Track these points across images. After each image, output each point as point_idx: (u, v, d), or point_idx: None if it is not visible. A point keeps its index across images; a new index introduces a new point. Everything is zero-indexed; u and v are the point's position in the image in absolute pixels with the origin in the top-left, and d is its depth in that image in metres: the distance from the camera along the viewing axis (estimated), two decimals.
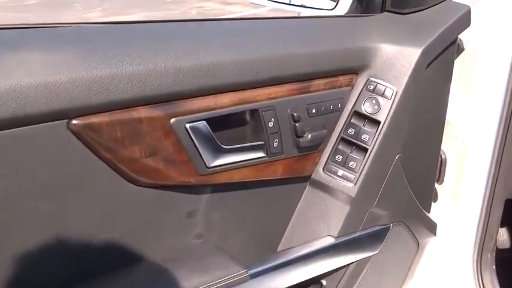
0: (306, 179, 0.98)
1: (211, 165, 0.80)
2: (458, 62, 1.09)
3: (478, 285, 1.24)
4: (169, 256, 0.83)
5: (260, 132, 0.85)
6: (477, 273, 1.24)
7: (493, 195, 1.18)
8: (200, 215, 0.86)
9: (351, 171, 0.94)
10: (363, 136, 0.94)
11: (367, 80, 0.94)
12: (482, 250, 1.23)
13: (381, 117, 0.93)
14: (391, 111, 0.93)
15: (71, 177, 0.70)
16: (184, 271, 0.81)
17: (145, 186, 0.77)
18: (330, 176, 0.95)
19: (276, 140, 0.87)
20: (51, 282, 0.73)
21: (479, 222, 1.21)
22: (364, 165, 0.94)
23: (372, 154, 0.94)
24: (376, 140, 0.93)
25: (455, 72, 1.07)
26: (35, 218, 0.69)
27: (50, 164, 0.68)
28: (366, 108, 0.94)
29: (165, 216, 0.82)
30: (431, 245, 1.22)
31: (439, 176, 1.23)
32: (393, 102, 0.93)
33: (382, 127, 0.93)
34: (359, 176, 0.94)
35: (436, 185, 1.24)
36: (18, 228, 0.68)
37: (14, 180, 0.65)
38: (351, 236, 0.98)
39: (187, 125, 0.75)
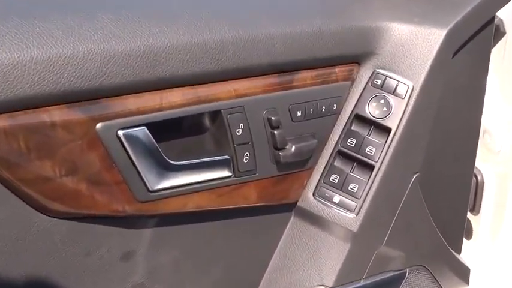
0: (290, 207, 0.96)
1: (156, 188, 0.78)
2: (496, 50, 1.09)
3: None
4: None
5: (224, 143, 0.84)
6: None
7: None
8: (140, 257, 0.83)
9: (351, 197, 0.93)
10: (367, 149, 0.93)
11: (372, 73, 0.94)
12: None
13: (392, 123, 0.92)
14: (406, 115, 0.92)
15: None
16: None
17: (61, 217, 0.74)
18: (323, 203, 0.94)
19: (247, 153, 0.85)
20: None
21: None
22: (370, 188, 0.93)
23: (380, 173, 0.93)
24: (386, 154, 0.93)
25: (492, 63, 1.07)
26: None
27: None
28: (372, 110, 0.93)
29: (89, 260, 0.79)
30: None
31: (474, 204, 1.24)
32: (408, 102, 0.92)
33: (393, 137, 0.92)
34: (362, 203, 0.93)
35: (470, 216, 1.24)
36: None
37: None
38: (353, 286, 0.97)
39: (120, 132, 0.73)
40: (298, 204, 0.95)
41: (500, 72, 1.12)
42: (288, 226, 0.97)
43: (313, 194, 0.95)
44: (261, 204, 0.90)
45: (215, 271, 0.92)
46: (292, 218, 0.97)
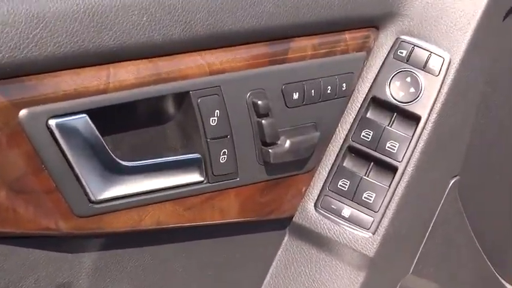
0: (284, 224, 0.97)
1: (100, 198, 0.78)
2: None
3: None
4: None
5: (193, 137, 0.84)
6: None
7: None
8: None
9: (367, 210, 0.94)
10: (389, 144, 0.93)
11: (395, 40, 0.94)
12: None
13: (423, 109, 0.93)
14: (441, 98, 0.93)
15: None
16: None
17: None
18: (329, 217, 0.95)
19: (224, 151, 0.85)
20: None
21: None
22: (392, 197, 0.93)
23: (406, 178, 0.93)
24: (414, 151, 0.93)
25: None
26: None
27: None
28: (395, 92, 0.93)
29: None
30: None
31: None
32: (444, 81, 0.93)
33: (424, 127, 0.93)
34: (381, 217, 0.93)
35: None
36: None
37: None
38: None
39: (52, 122, 0.73)
40: (294, 219, 0.96)
41: None
42: (280, 250, 0.98)
43: (315, 206, 0.95)
44: (245, 220, 0.91)
45: None
46: (286, 238, 0.97)
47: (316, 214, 0.95)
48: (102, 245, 0.83)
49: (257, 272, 0.98)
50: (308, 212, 0.95)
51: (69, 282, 0.82)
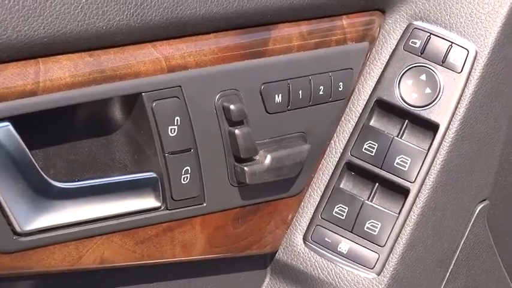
0: (264, 262, 0.99)
1: (28, 228, 0.79)
2: None
3: None
4: None
5: (146, 150, 0.85)
6: None
7: None
8: None
9: (370, 243, 0.95)
10: (398, 160, 0.95)
11: (407, 27, 0.96)
12: None
13: (442, 115, 0.94)
14: (465, 102, 0.94)
15: None
16: None
17: None
18: (321, 253, 0.96)
19: (187, 169, 0.86)
20: None
21: None
22: (402, 227, 0.95)
23: (421, 202, 0.95)
24: (430, 168, 0.95)
25: None
26: None
27: None
28: (406, 93, 0.95)
29: None
30: None
31: None
32: (469, 79, 0.94)
33: (443, 138, 0.95)
34: (389, 253, 0.95)
35: None
36: None
37: None
38: None
39: None
40: (277, 256, 0.97)
41: None
42: None
43: (304, 239, 0.97)
44: (214, 257, 0.92)
45: None
46: (267, 280, 0.99)
47: (306, 249, 0.96)
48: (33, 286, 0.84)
49: None
50: (295, 247, 0.96)
51: None
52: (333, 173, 0.97)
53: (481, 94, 0.95)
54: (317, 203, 0.97)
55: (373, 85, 0.96)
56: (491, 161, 1.00)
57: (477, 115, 0.96)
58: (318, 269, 0.96)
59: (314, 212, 0.97)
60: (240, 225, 0.93)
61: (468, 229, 0.99)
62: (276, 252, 0.97)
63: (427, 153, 0.94)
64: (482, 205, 0.99)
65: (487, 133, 0.98)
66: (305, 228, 0.97)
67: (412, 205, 0.95)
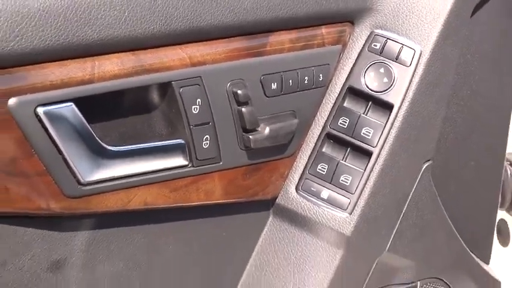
0: (267, 205, 0.96)
1: (88, 180, 0.77)
2: None
3: None
4: None
5: (177, 124, 0.82)
6: None
7: None
8: (72, 269, 0.82)
9: (344, 192, 0.92)
10: (364, 130, 0.92)
11: (370, 34, 0.93)
12: None
13: (396, 97, 0.91)
14: (413, 87, 0.91)
15: None
16: None
17: None
18: (309, 199, 0.94)
19: (207, 136, 0.84)
20: None
21: None
22: (367, 180, 0.92)
23: (380, 162, 0.92)
24: (387, 137, 0.92)
25: None
26: None
27: None
28: (369, 82, 0.92)
29: (6, 272, 0.77)
30: None
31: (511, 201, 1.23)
32: (415, 71, 0.91)
33: (397, 114, 0.92)
34: (358, 199, 0.92)
35: (508, 218, 1.23)
36: None
37: None
38: None
39: (40, 110, 0.72)
40: (277, 201, 0.95)
41: None
42: (264, 229, 0.97)
43: (296, 189, 0.94)
44: (229, 201, 0.89)
45: (172, 286, 0.91)
46: (270, 218, 0.96)
47: (298, 196, 0.94)
48: (93, 224, 0.82)
49: (244, 250, 0.97)
50: (290, 194, 0.94)
51: (63, 259, 0.81)
52: (316, 141, 0.94)
53: (425, 82, 0.93)
54: (305, 162, 0.95)
55: (346, 76, 0.94)
56: (433, 132, 0.97)
57: (422, 97, 0.93)
58: (306, 210, 0.94)
59: (303, 169, 0.95)
60: (248, 178, 0.91)
61: (417, 181, 0.97)
62: (276, 198, 0.96)
63: (385, 125, 0.92)
64: (427, 164, 0.97)
65: (430, 111, 0.96)
66: (297, 181, 0.95)
67: (374, 163, 0.92)
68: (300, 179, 0.94)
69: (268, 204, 0.95)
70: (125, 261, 0.85)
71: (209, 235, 0.92)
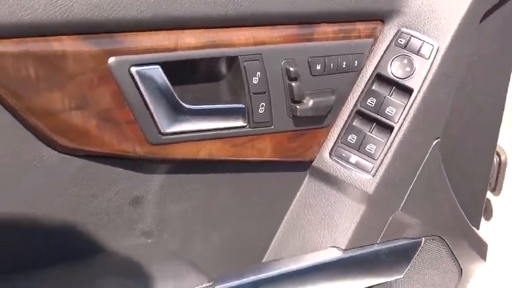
0: (305, 166, 0.95)
1: (167, 131, 0.77)
2: None
3: None
4: (100, 259, 0.79)
5: (239, 91, 0.82)
6: None
7: None
8: (149, 204, 0.82)
9: (369, 158, 0.92)
10: (387, 109, 0.91)
11: (397, 32, 0.92)
12: None
13: (415, 83, 0.91)
14: (430, 76, 0.90)
15: None
16: (121, 279, 0.77)
17: (69, 153, 0.73)
18: (339, 163, 0.93)
19: (263, 104, 0.83)
20: None
21: None
22: (388, 149, 0.91)
23: (400, 135, 0.91)
24: (407, 115, 0.91)
25: None
26: None
27: None
28: (394, 70, 0.91)
29: (96, 202, 0.77)
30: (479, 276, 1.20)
31: (496, 185, 1.20)
32: (433, 63, 0.90)
33: (415, 98, 0.91)
34: (380, 165, 0.91)
35: (491, 197, 1.21)
36: None
37: None
38: (366, 250, 0.95)
39: (134, 69, 0.72)
40: (313, 163, 0.94)
41: None
42: (302, 185, 0.96)
43: (330, 154, 0.93)
44: (276, 159, 0.88)
45: (225, 226, 0.91)
46: (307, 177, 0.96)
47: (331, 160, 0.93)
48: (167, 169, 0.82)
49: (283, 202, 0.96)
50: (324, 159, 0.94)
51: (141, 196, 0.81)
52: (348, 116, 0.93)
53: (440, 73, 0.92)
54: (338, 133, 0.94)
55: (375, 64, 0.92)
56: (443, 115, 0.96)
57: (436, 85, 0.92)
58: (337, 172, 0.93)
59: (336, 138, 0.94)
60: (292, 142, 0.90)
61: (427, 154, 0.95)
62: (312, 161, 0.95)
63: (405, 106, 0.91)
64: (436, 141, 0.95)
65: (442, 97, 0.94)
66: (331, 148, 0.94)
67: (395, 136, 0.91)
68: (333, 146, 0.93)
69: (306, 166, 0.95)
70: (190, 202, 0.85)
71: (257, 187, 0.91)
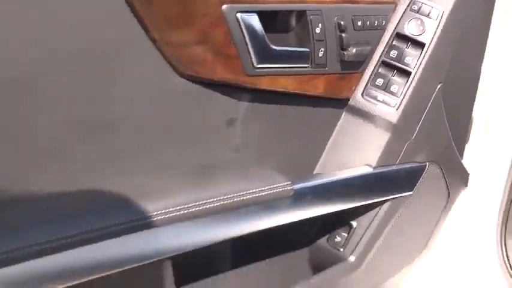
0: (343, 104, 1.06)
1: (259, 66, 0.85)
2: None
3: (502, 257, 1.34)
4: (207, 162, 0.89)
5: (306, 38, 0.92)
6: (501, 243, 1.34)
7: None
8: (239, 124, 0.92)
9: (392, 96, 1.03)
10: (406, 59, 1.03)
11: (411, 0, 1.05)
12: (508, 217, 1.34)
13: (426, 39, 1.03)
14: (437, 33, 1.03)
15: (103, 50, 0.71)
16: (224, 177, 0.87)
17: (189, 78, 0.83)
18: (369, 101, 1.04)
19: (322, 49, 0.94)
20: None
21: (505, 186, 1.32)
22: (407, 89, 1.03)
23: (416, 78, 1.03)
24: (420, 63, 1.03)
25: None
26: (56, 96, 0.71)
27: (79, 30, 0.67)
28: (410, 29, 1.04)
29: (204, 120, 0.88)
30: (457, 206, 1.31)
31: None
32: (439, 23, 1.03)
33: (426, 50, 1.03)
34: (401, 101, 1.03)
35: None
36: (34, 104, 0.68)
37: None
38: (388, 169, 1.06)
39: (239, 15, 0.81)
40: (349, 102, 1.05)
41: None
42: (340, 119, 1.07)
43: (362, 94, 1.04)
44: (325, 95, 0.99)
45: (288, 143, 1.00)
46: (344, 112, 1.06)
47: (362, 99, 1.04)
48: (254, 97, 0.91)
49: (325, 131, 1.06)
50: (357, 98, 1.04)
51: (235, 118, 0.91)
52: (375, 64, 1.04)
53: (444, 30, 1.03)
54: (368, 77, 1.05)
55: (395, 25, 1.04)
56: (446, 63, 1.07)
57: (441, 41, 1.03)
58: (368, 107, 1.04)
59: (367, 81, 1.05)
60: (338, 82, 1.01)
61: (434, 94, 1.06)
62: (349, 99, 1.05)
63: (419, 56, 1.03)
64: (440, 85, 1.06)
65: (445, 49, 1.05)
66: (363, 88, 1.05)
67: (412, 79, 1.03)
68: (365, 87, 1.04)
69: (343, 103, 1.05)
70: (266, 126, 0.96)
71: (309, 114, 1.00)
